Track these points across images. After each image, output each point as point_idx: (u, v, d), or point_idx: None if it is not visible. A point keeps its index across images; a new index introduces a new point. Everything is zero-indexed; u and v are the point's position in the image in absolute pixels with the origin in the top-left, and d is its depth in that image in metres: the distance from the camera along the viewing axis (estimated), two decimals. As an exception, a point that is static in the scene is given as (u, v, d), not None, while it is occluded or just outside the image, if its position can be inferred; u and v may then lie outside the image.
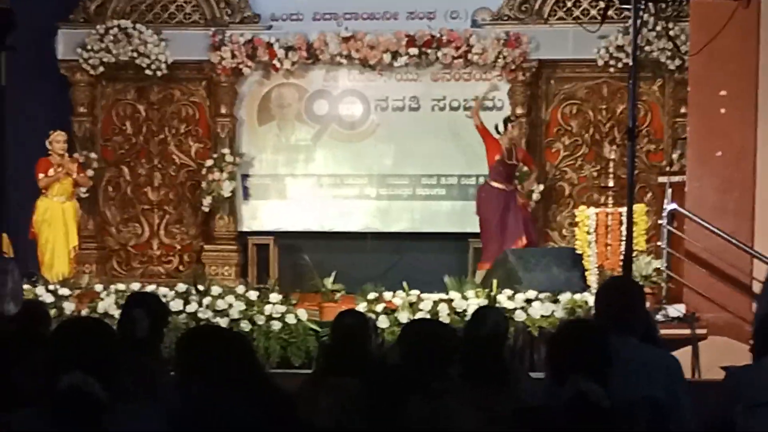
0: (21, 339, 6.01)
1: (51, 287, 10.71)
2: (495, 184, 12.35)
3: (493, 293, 10.18)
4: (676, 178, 10.94)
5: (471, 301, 9.85)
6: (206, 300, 10.15)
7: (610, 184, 13.03)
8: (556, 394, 3.94)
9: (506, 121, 12.64)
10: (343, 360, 4.98)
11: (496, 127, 12.50)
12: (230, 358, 3.99)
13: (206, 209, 13.84)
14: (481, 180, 13.40)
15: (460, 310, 9.89)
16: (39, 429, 3.43)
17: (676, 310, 9.88)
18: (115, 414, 3.49)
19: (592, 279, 10.95)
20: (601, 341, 3.98)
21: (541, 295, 10.08)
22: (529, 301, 10.03)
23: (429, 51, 13.39)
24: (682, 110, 12.48)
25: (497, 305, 9.39)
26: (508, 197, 12.33)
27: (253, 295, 10.30)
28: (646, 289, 8.79)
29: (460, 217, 13.70)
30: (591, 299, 9.54)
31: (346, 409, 4.03)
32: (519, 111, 13.44)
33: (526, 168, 12.82)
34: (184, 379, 4.04)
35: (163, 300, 7.93)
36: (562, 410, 3.73)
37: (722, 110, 10.17)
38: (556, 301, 10.04)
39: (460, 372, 4.58)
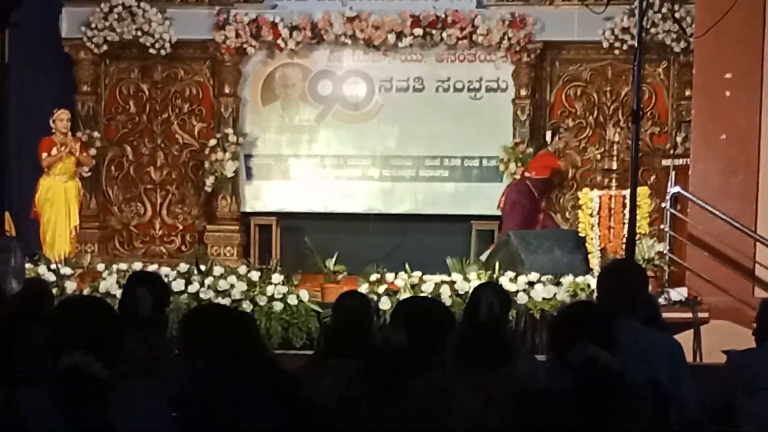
0: (23, 316, 6.03)
1: (53, 266, 10.72)
2: (532, 188, 12.48)
3: (495, 275, 10.18)
4: (679, 161, 10.92)
5: (473, 283, 9.84)
6: (208, 280, 10.15)
7: (614, 166, 13.03)
8: (557, 377, 3.93)
9: (554, 131, 12.74)
10: (345, 341, 4.98)
11: (544, 136, 12.67)
12: (234, 337, 3.99)
13: (209, 189, 13.83)
14: (485, 162, 13.49)
15: (462, 292, 9.88)
16: (42, 408, 3.43)
17: (678, 293, 9.88)
18: (119, 393, 3.49)
19: (595, 262, 10.95)
20: (604, 322, 3.97)
21: (544, 278, 10.06)
22: (531, 284, 10.02)
23: (434, 32, 13.35)
24: (687, 93, 12.47)
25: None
26: (536, 199, 12.53)
27: (255, 275, 10.29)
28: (649, 273, 8.77)
29: (463, 198, 13.70)
30: (593, 282, 9.54)
31: (346, 389, 4.02)
32: (523, 92, 13.43)
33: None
34: (189, 357, 4.04)
35: (165, 280, 7.91)
36: (571, 377, 3.71)
37: (727, 93, 10.14)
38: (558, 284, 10.03)
39: (461, 353, 4.57)
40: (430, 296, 9.33)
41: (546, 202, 13.01)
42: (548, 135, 12.84)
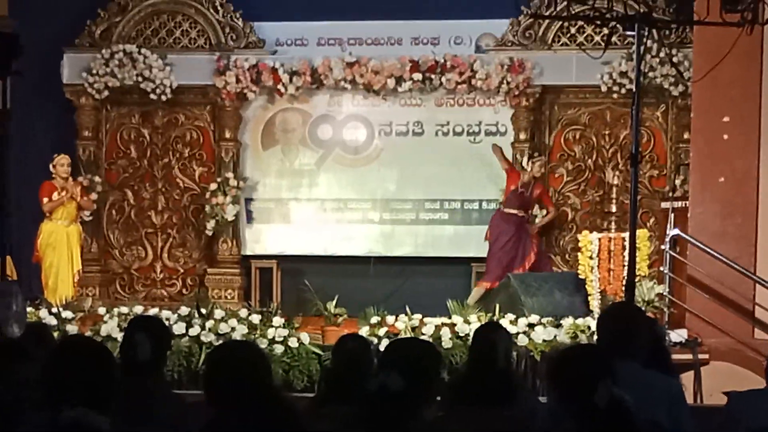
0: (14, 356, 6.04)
1: (54, 310, 10.72)
2: (507, 210, 12.53)
3: (495, 317, 10.19)
4: (678, 204, 10.94)
5: (473, 326, 9.84)
6: (209, 323, 10.16)
7: (613, 209, 13.09)
8: (558, 420, 3.93)
9: (529, 156, 12.86)
10: (344, 384, 4.98)
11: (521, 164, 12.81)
12: (254, 375, 3.98)
13: (210, 233, 13.86)
14: (484, 205, 13.56)
15: (462, 334, 9.89)
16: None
17: (678, 335, 9.89)
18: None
19: (595, 304, 10.96)
20: (609, 365, 3.99)
21: (544, 320, 10.08)
22: (531, 326, 10.04)
23: (433, 76, 13.42)
24: (685, 136, 12.53)
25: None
26: (519, 222, 12.53)
27: (255, 318, 10.31)
28: (648, 314, 8.77)
29: (463, 241, 13.72)
30: (593, 324, 9.56)
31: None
32: (522, 136, 13.48)
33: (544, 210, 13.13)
34: (209, 393, 4.01)
35: (166, 323, 7.92)
36: (601, 417, 3.72)
37: (725, 136, 10.20)
38: (558, 326, 10.04)
39: (469, 394, 4.58)
40: (418, 338, 9.35)
41: (542, 243, 13.04)
42: (524, 161, 12.95)
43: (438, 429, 4.07)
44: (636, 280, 8.73)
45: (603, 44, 12.21)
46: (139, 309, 10.69)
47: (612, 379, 3.81)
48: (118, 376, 3.74)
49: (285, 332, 10.07)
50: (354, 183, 14.02)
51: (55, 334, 9.02)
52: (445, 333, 9.95)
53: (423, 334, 9.91)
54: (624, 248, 10.80)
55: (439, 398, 5.02)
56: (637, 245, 8.88)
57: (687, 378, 9.31)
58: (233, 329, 10.11)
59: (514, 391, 4.87)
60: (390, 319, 10.30)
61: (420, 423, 3.94)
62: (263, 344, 9.94)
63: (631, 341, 4.68)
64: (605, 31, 12.31)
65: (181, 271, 14.24)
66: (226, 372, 3.98)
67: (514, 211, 12.57)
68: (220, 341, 9.82)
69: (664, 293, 10.43)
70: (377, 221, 13.99)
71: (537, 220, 13.06)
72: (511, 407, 4.62)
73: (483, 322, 9.89)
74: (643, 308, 9.40)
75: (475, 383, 4.73)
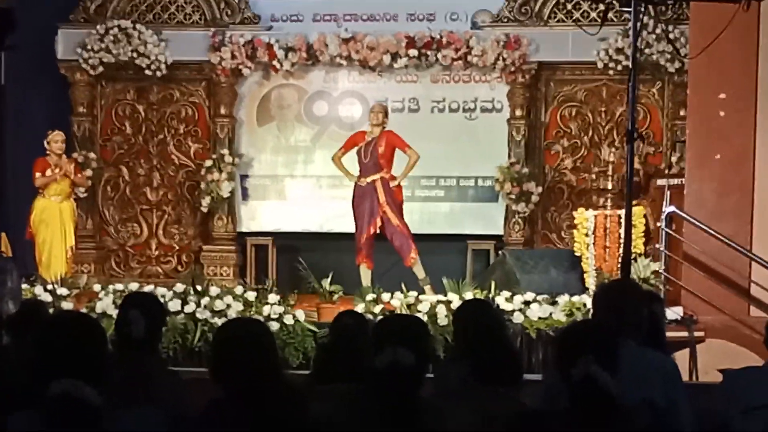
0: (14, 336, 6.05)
1: (49, 287, 10.71)
2: (357, 181, 11.99)
3: (491, 295, 10.19)
4: (674, 181, 10.93)
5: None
6: (204, 300, 10.15)
7: (609, 186, 13.04)
8: (555, 397, 3.93)
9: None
10: (342, 362, 4.97)
11: None
12: (260, 353, 3.95)
13: (205, 210, 13.84)
14: (480, 182, 13.56)
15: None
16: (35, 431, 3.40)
17: (674, 312, 9.88)
18: (112, 417, 3.47)
19: (591, 281, 10.95)
20: (611, 343, 3.96)
21: (540, 297, 10.08)
22: (527, 303, 10.04)
23: (429, 53, 13.38)
24: (682, 113, 12.49)
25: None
26: (364, 191, 11.94)
27: (251, 295, 10.31)
28: (651, 292, 8.76)
29: (458, 218, 13.72)
30: (589, 301, 9.56)
31: (349, 414, 4.00)
32: (518, 113, 13.46)
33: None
34: (217, 372, 3.98)
35: (161, 300, 7.92)
36: (570, 392, 3.70)
37: (721, 113, 10.16)
38: (554, 303, 10.04)
39: (471, 371, 4.55)
40: (405, 313, 9.35)
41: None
42: None
43: (441, 408, 4.04)
44: (632, 257, 8.72)
45: (599, 20, 12.19)
46: (134, 286, 10.68)
47: (608, 359, 3.78)
48: (110, 351, 3.71)
49: (280, 309, 10.06)
50: (350, 159, 13.95)
51: (51, 311, 9.03)
52: (441, 310, 9.94)
53: (419, 312, 9.90)
54: (620, 225, 10.79)
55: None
56: (633, 222, 8.86)
57: (682, 356, 9.32)
58: (229, 306, 10.10)
59: (521, 370, 4.86)
60: (386, 296, 10.30)
61: (422, 401, 3.92)
62: (258, 322, 9.94)
63: (626, 319, 4.67)
64: (601, 7, 12.25)
65: (177, 248, 14.24)
66: (236, 349, 3.95)
67: (360, 183, 11.93)
68: (216, 318, 9.84)
69: (660, 271, 10.42)
70: (373, 198, 13.94)
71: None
72: (517, 387, 4.60)
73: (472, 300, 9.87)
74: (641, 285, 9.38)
75: (482, 362, 4.68)
